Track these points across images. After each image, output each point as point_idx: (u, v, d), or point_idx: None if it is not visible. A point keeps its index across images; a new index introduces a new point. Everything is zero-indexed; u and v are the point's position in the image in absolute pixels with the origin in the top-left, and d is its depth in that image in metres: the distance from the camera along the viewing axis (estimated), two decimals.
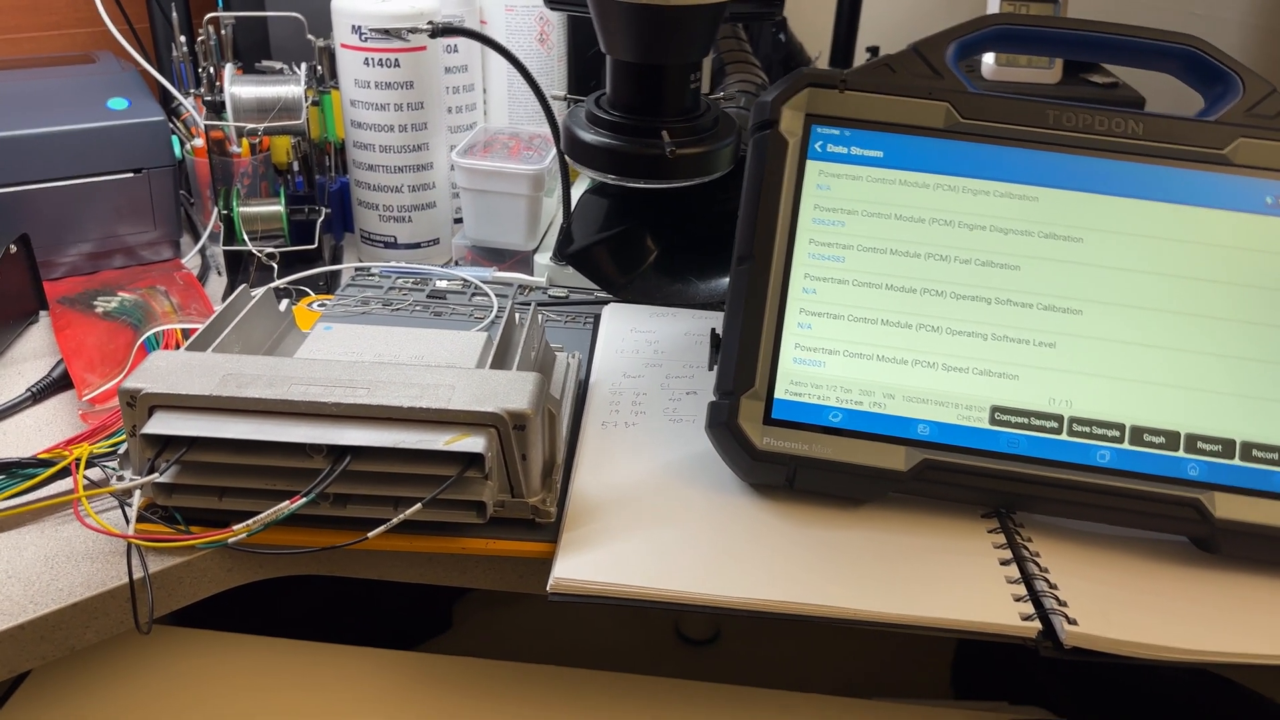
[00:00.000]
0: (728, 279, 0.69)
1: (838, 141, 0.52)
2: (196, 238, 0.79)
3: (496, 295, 0.72)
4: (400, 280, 0.74)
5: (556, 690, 0.56)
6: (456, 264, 0.79)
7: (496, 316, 0.69)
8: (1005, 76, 0.81)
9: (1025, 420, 0.49)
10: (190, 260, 0.77)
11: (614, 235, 0.71)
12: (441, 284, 0.74)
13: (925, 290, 0.51)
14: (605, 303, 0.71)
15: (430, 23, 0.62)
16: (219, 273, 0.76)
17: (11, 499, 0.49)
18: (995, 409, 0.50)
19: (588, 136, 0.54)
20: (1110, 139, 0.51)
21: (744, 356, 0.50)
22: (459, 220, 0.81)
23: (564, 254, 0.71)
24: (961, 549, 0.48)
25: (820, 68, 1.00)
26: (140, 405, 0.46)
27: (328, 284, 0.74)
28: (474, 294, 0.73)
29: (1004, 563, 0.48)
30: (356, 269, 0.76)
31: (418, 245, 0.78)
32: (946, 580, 0.46)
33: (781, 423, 0.50)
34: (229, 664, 0.56)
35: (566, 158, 0.57)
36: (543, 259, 0.76)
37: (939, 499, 0.51)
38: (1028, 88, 0.80)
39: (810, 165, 0.52)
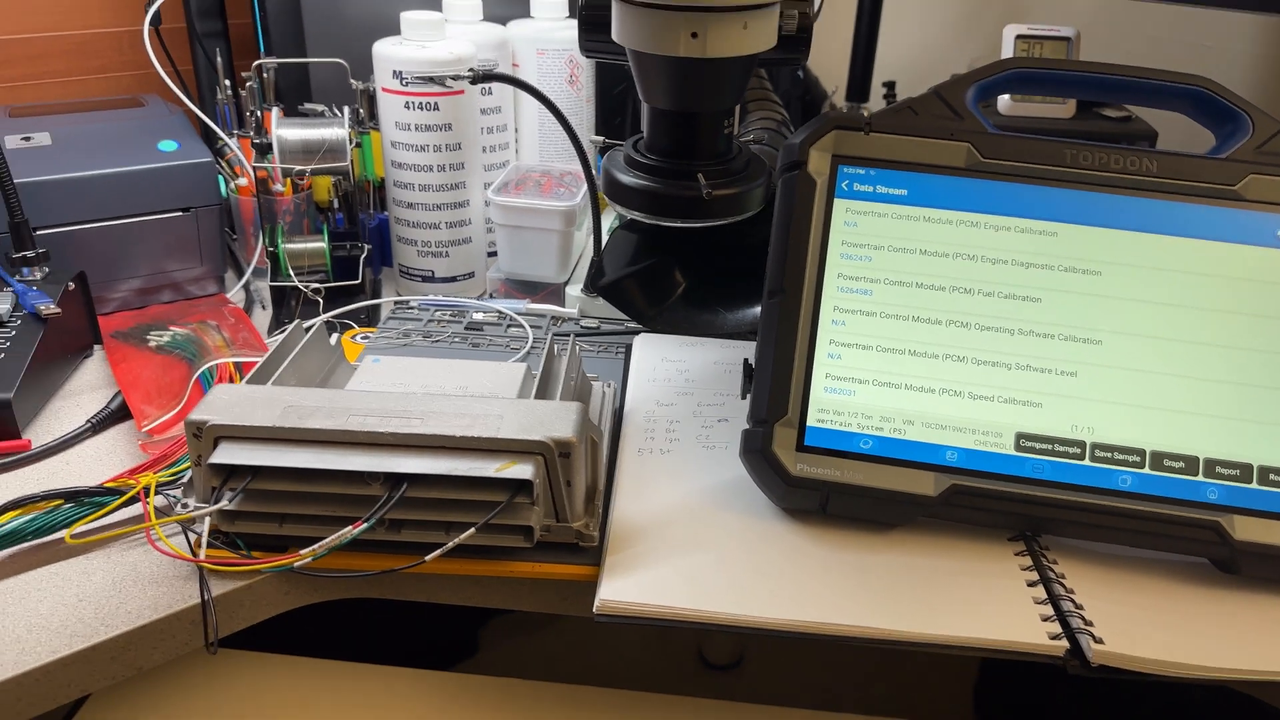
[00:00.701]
0: (755, 309, 0.72)
1: (863, 180, 0.54)
2: (240, 273, 0.82)
3: (530, 326, 0.75)
4: (439, 313, 0.76)
5: (592, 710, 0.58)
6: (491, 296, 0.81)
7: (533, 347, 0.72)
8: (1021, 112, 0.84)
9: (1049, 446, 0.51)
10: (234, 295, 0.80)
11: (644, 268, 0.74)
12: (478, 316, 0.76)
13: (950, 322, 0.53)
14: (636, 333, 0.73)
15: (471, 69, 0.66)
16: (263, 307, 0.79)
17: (83, 527, 0.51)
18: (1020, 435, 0.52)
19: (627, 179, 0.57)
20: (1126, 176, 0.53)
21: (777, 386, 0.52)
22: (493, 254, 0.84)
23: (596, 286, 0.74)
24: (990, 571, 0.50)
25: (840, 105, 1.03)
26: (206, 436, 0.48)
27: (369, 317, 0.77)
28: (509, 325, 0.75)
29: (1031, 584, 0.49)
30: (396, 302, 0.78)
31: (454, 279, 0.81)
32: (976, 601, 0.48)
33: (814, 449, 0.52)
34: (276, 684, 0.58)
35: (607, 199, 0.59)
36: (574, 291, 0.78)
37: (967, 523, 0.52)
38: (1043, 123, 0.83)
39: (837, 203, 0.54)
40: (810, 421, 0.52)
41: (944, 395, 0.52)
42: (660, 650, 1.04)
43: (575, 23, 0.80)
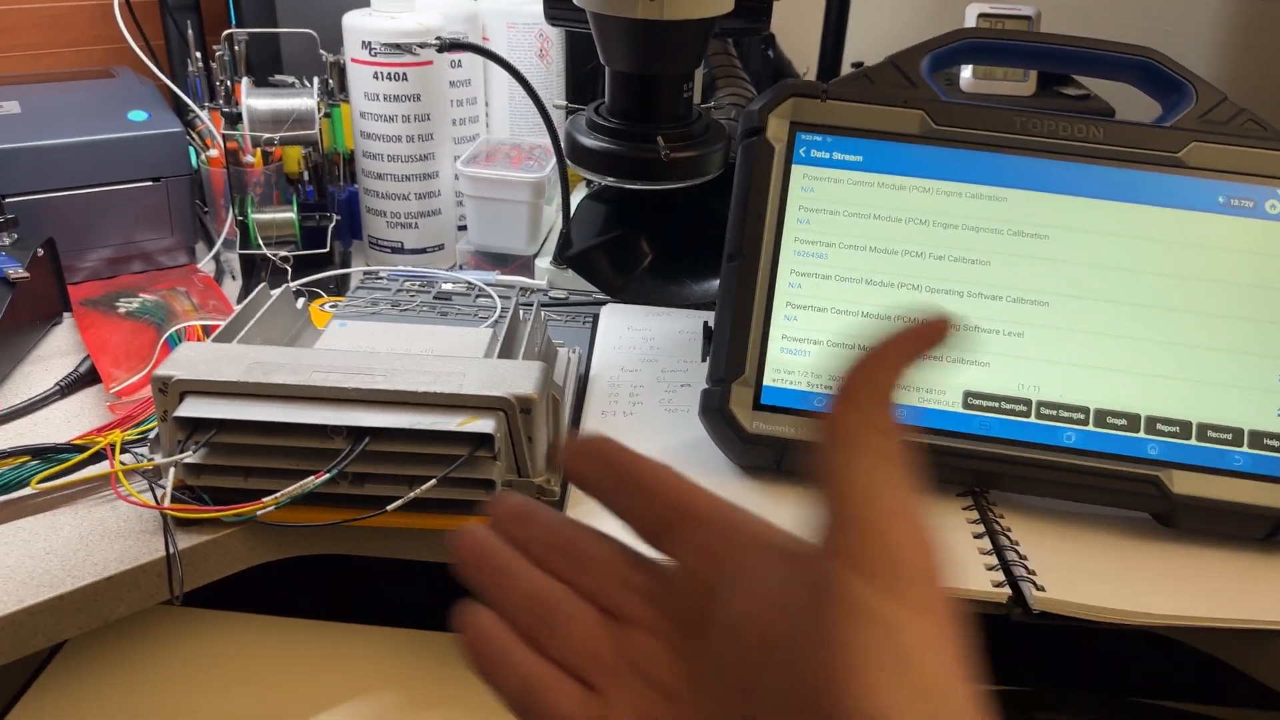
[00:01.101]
0: (718, 281, 0.73)
1: (820, 147, 0.56)
2: (210, 244, 0.83)
3: (500, 297, 0.76)
4: (407, 283, 0.77)
5: None
6: (461, 268, 0.82)
7: (500, 316, 0.73)
8: (982, 89, 0.85)
9: (996, 404, 0.53)
10: (205, 265, 0.80)
11: (611, 240, 0.75)
12: (447, 286, 0.77)
13: (903, 285, 0.54)
14: (604, 304, 0.74)
15: (438, 38, 0.66)
16: (233, 277, 0.79)
17: (47, 481, 0.52)
18: (968, 394, 0.53)
19: (588, 142, 0.58)
20: (1073, 143, 0.55)
21: (734, 346, 0.54)
22: (463, 227, 0.85)
23: (563, 257, 0.75)
24: (938, 525, 0.52)
25: (805, 79, 1.04)
26: (171, 391, 0.49)
27: (338, 287, 0.78)
28: (478, 296, 0.76)
29: (977, 536, 0.51)
30: (365, 272, 0.79)
31: (424, 250, 0.81)
32: None
33: (770, 408, 0.53)
34: (246, 641, 0.59)
35: (568, 162, 0.60)
36: (543, 263, 0.79)
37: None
38: (1003, 100, 0.84)
39: (795, 169, 0.56)
40: (766, 381, 0.54)
41: None
42: None
43: None
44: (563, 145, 0.60)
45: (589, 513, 0.51)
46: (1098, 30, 0.89)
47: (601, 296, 0.76)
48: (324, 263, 0.77)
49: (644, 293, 0.74)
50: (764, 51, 1.00)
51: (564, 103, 0.65)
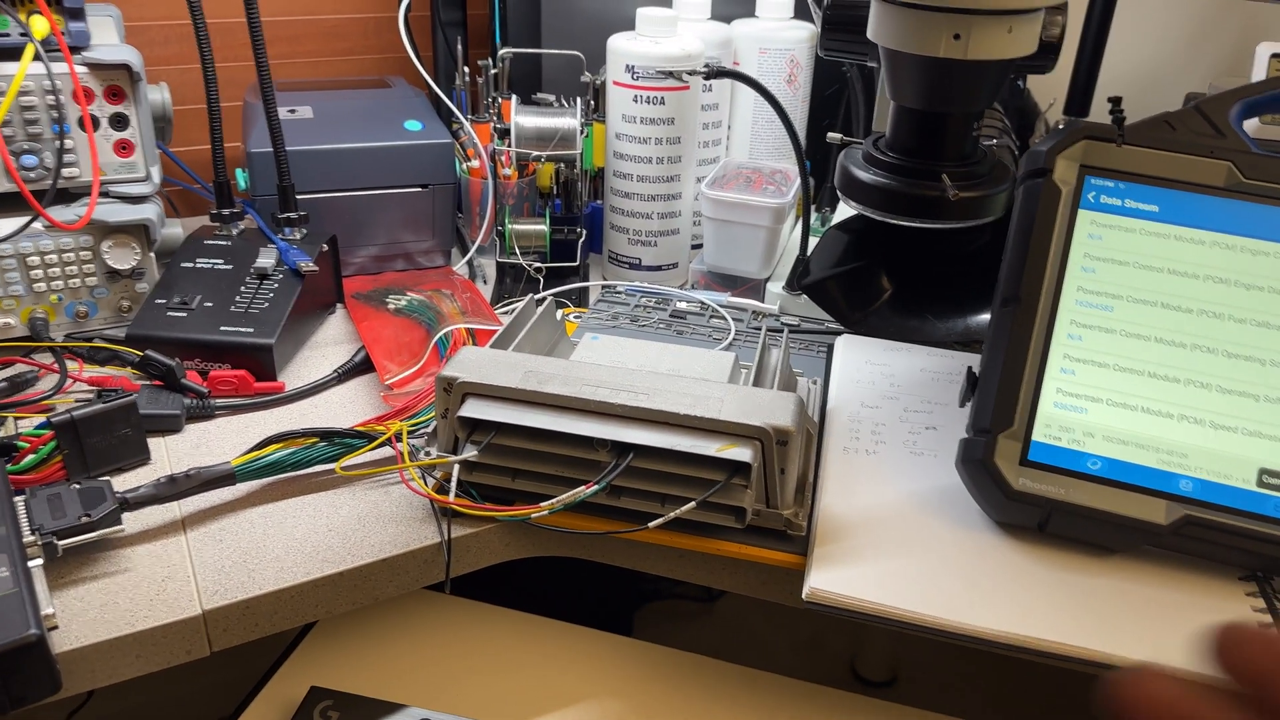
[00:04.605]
0: (966, 319, 0.71)
1: (1112, 194, 0.53)
2: (463, 249, 0.88)
3: (732, 319, 0.76)
4: (644, 299, 0.79)
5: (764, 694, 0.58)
6: (692, 287, 0.83)
7: (735, 338, 0.73)
8: (1267, 135, 0.79)
9: None
10: (459, 269, 0.85)
11: (850, 270, 0.74)
12: (681, 305, 0.79)
13: (1196, 346, 0.51)
14: (837, 333, 0.73)
15: (706, 65, 0.68)
16: (484, 281, 0.84)
17: (351, 461, 0.56)
18: (1263, 471, 0.49)
19: (865, 176, 0.57)
20: None
21: (1003, 396, 0.52)
22: (696, 246, 0.86)
23: (800, 284, 0.75)
24: (1220, 609, 0.48)
25: (1058, 119, 0.99)
26: (455, 391, 0.52)
27: (577, 298, 0.80)
28: (711, 316, 0.77)
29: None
30: (604, 287, 0.82)
31: (659, 268, 0.83)
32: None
33: (1038, 465, 0.51)
34: (477, 627, 0.61)
35: (841, 195, 0.60)
36: (775, 288, 0.79)
37: (1196, 556, 0.50)
38: None
39: (1082, 215, 0.53)
40: (1036, 436, 0.51)
41: (1183, 422, 0.50)
42: (810, 657, 1.04)
43: (798, 23, 0.81)
44: (836, 179, 0.60)
45: (838, 553, 0.51)
46: None
47: (835, 326, 0.75)
48: (567, 275, 0.80)
49: (881, 326, 0.73)
50: (1014, 81, 0.96)
51: (837, 135, 0.65)
